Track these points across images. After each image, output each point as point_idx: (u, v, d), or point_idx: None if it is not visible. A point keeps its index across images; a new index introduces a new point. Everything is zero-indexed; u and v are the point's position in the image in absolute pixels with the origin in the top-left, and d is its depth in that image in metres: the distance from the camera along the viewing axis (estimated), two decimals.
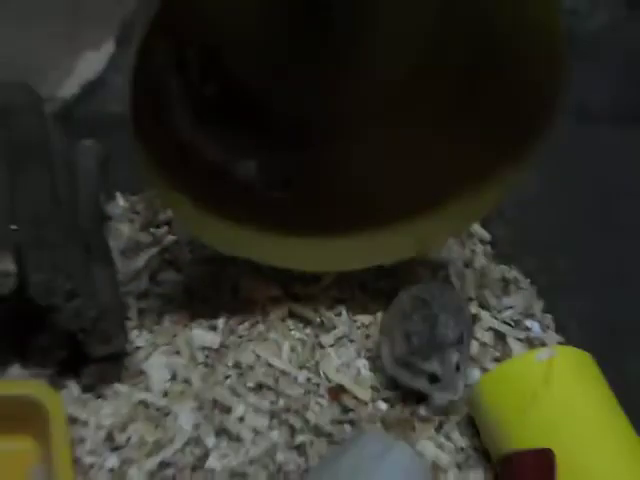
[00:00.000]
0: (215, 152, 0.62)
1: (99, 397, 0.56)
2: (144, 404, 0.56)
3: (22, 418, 0.52)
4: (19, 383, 0.55)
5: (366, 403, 0.58)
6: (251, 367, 0.59)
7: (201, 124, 0.61)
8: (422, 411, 0.58)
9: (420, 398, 0.58)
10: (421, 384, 0.56)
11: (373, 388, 0.59)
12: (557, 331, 0.64)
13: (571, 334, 0.63)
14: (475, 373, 0.60)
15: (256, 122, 0.63)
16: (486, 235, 0.72)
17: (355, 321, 0.63)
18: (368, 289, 0.65)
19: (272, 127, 0.64)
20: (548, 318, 0.65)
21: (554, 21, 0.51)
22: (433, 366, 0.55)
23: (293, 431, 0.55)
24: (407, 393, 0.58)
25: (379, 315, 0.64)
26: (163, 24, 0.47)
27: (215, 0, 0.58)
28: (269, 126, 0.64)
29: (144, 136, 0.50)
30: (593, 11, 0.66)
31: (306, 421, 0.56)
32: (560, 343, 0.62)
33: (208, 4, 0.57)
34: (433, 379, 0.55)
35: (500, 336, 0.63)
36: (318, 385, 0.58)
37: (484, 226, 0.72)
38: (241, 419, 0.56)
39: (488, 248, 0.71)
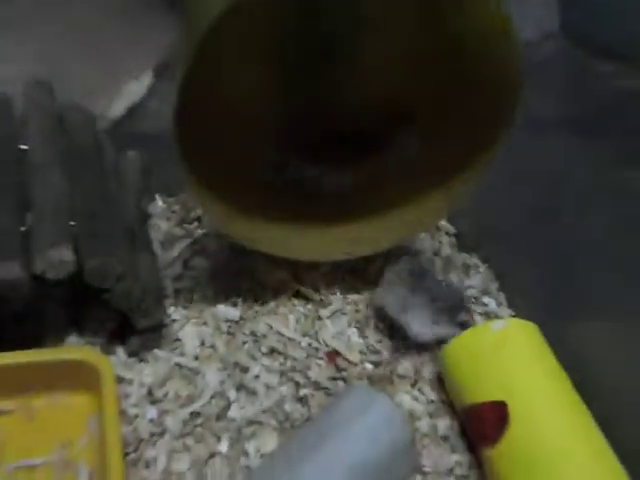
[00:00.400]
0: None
1: (141, 361, 0.57)
2: (179, 366, 0.57)
3: (80, 378, 0.52)
4: (77, 349, 0.56)
5: (355, 364, 0.58)
6: (264, 335, 0.60)
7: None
8: (400, 370, 0.58)
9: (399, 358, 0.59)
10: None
11: (361, 352, 0.60)
12: (509, 307, 0.65)
13: (520, 309, 0.64)
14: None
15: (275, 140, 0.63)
16: (451, 229, 0.72)
17: (347, 298, 0.64)
18: (357, 273, 0.66)
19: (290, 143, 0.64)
20: (501, 296, 0.66)
21: (514, 52, 0.51)
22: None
23: (298, 386, 0.57)
24: (389, 355, 0.59)
25: (366, 294, 0.64)
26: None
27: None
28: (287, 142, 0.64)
29: (187, 154, 0.51)
30: (542, 42, 0.67)
31: (308, 378, 0.57)
32: (511, 316, 0.63)
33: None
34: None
35: None
36: (317, 349, 0.59)
37: (449, 221, 0.73)
38: (256, 377, 0.57)
39: (453, 240, 0.71)
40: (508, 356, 0.52)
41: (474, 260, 0.69)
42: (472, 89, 0.57)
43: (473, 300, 0.64)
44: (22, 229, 0.53)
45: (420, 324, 0.58)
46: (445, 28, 0.56)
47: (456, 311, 0.59)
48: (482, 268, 0.68)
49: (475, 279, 0.66)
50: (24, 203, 0.55)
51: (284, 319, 0.61)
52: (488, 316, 0.63)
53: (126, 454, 0.50)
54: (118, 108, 0.74)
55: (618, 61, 0.66)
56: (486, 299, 0.64)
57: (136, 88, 0.75)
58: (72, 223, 0.54)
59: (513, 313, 0.63)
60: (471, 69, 0.56)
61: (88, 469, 0.49)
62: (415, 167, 0.62)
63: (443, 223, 0.72)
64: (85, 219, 0.54)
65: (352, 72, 0.62)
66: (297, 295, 0.64)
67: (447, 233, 0.71)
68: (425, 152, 0.61)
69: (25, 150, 0.59)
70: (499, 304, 0.64)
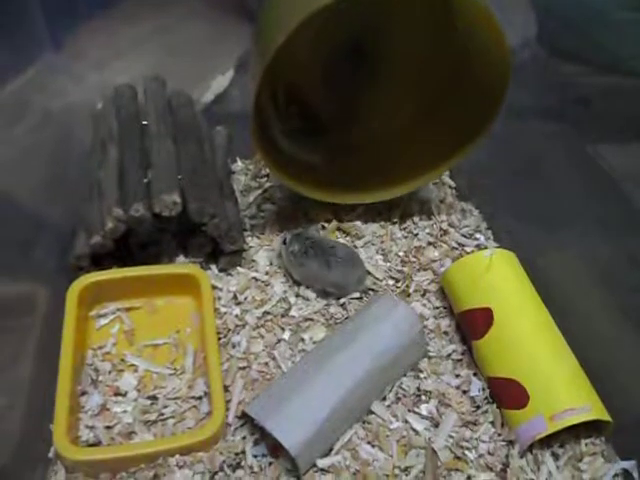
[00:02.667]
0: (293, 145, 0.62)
1: (228, 274, 0.57)
2: (254, 279, 0.57)
3: (185, 286, 0.53)
4: (184, 266, 0.56)
5: (381, 280, 0.58)
6: None
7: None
8: (413, 286, 0.57)
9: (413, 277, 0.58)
10: None
11: (385, 272, 0.59)
12: (494, 240, 0.63)
13: (503, 243, 0.62)
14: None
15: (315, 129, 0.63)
16: (452, 183, 0.70)
17: (375, 232, 0.62)
18: (383, 215, 0.64)
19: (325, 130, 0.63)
20: (489, 233, 0.64)
21: (505, 54, 0.49)
22: None
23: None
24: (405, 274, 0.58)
25: (389, 230, 0.63)
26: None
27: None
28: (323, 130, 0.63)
29: (258, 133, 0.51)
30: (521, 48, 0.64)
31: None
32: (497, 247, 0.61)
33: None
34: None
35: (461, 243, 0.62)
36: None
37: (451, 178, 0.70)
38: (308, 287, 0.56)
39: (453, 191, 0.69)
40: (494, 275, 0.51)
41: (469, 206, 0.67)
42: (469, 84, 0.55)
43: (468, 235, 0.63)
44: (145, 181, 0.54)
45: None
46: (451, 32, 0.54)
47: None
48: (475, 212, 0.66)
49: (470, 220, 0.65)
50: (146, 163, 0.55)
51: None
52: (479, 247, 0.61)
53: (219, 339, 0.51)
54: (209, 95, 0.73)
55: (584, 64, 0.62)
56: (478, 235, 0.63)
57: (222, 80, 0.74)
58: (179, 177, 0.54)
59: (498, 245, 0.62)
60: (470, 66, 0.54)
61: (193, 348, 0.51)
62: (419, 146, 0.61)
63: (446, 179, 0.70)
64: (188, 174, 0.55)
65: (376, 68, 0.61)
66: (339, 230, 0.63)
67: (450, 187, 0.69)
68: (428, 134, 0.60)
69: (146, 125, 0.59)
70: (487, 239, 0.63)
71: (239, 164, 0.70)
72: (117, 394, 0.47)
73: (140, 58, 0.71)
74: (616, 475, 0.44)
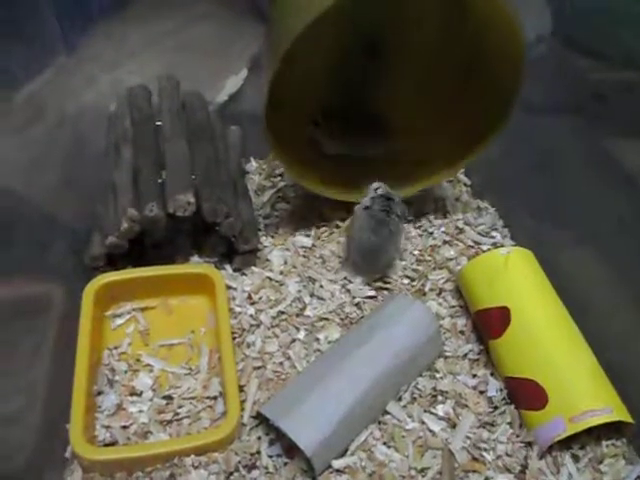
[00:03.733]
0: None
1: (243, 274, 0.57)
2: (269, 278, 0.57)
3: (201, 285, 0.53)
4: (199, 266, 0.56)
5: (396, 280, 0.57)
6: (329, 258, 0.59)
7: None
8: (429, 285, 0.56)
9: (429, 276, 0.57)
10: None
11: (401, 271, 0.58)
12: (511, 238, 0.62)
13: (520, 241, 0.61)
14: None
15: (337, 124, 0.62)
16: (467, 181, 0.69)
17: None
18: None
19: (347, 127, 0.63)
20: (505, 231, 0.63)
21: (519, 49, 0.49)
22: None
23: (353, 295, 0.55)
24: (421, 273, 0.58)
25: (405, 226, 0.61)
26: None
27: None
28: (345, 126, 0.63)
29: (272, 132, 0.51)
30: (537, 44, 0.64)
31: (361, 289, 0.56)
32: (513, 245, 0.60)
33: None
34: None
35: (476, 241, 0.61)
36: None
37: (466, 175, 0.70)
38: (323, 287, 0.56)
39: (469, 189, 0.68)
40: (511, 274, 0.50)
41: (485, 204, 0.66)
42: (484, 80, 0.55)
43: (484, 234, 0.62)
44: (159, 181, 0.54)
45: None
46: (464, 27, 0.53)
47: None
48: (491, 210, 0.66)
49: (486, 218, 0.64)
50: (160, 162, 0.55)
51: (343, 246, 0.60)
52: (495, 245, 0.61)
53: (233, 339, 0.50)
54: (223, 95, 0.73)
55: (597, 59, 0.62)
56: (494, 233, 0.62)
57: (235, 80, 0.74)
58: (193, 177, 0.54)
59: (514, 243, 0.61)
60: (484, 62, 0.54)
61: (208, 348, 0.51)
62: (435, 143, 0.60)
63: (461, 176, 0.69)
64: (202, 174, 0.55)
65: (387, 69, 0.60)
66: None
67: (465, 184, 0.69)
68: (442, 131, 0.60)
69: (160, 125, 0.59)
70: (504, 237, 0.62)
71: (253, 164, 0.69)
72: (133, 394, 0.47)
73: (153, 59, 0.71)
74: (638, 477, 0.43)
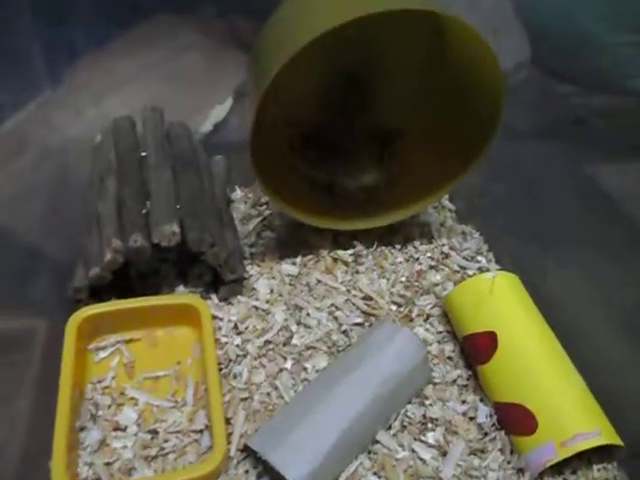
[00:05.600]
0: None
1: (229, 304, 0.56)
2: (255, 307, 0.56)
3: (186, 316, 0.53)
4: (184, 296, 0.56)
5: (382, 308, 0.57)
6: (315, 286, 0.59)
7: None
8: (416, 310, 0.57)
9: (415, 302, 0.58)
10: None
11: (388, 297, 0.58)
12: (496, 263, 0.63)
13: (505, 265, 0.62)
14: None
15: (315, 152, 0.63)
16: (452, 207, 0.70)
17: (376, 258, 0.62)
18: (383, 240, 0.64)
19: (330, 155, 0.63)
20: (490, 255, 0.64)
21: (500, 80, 0.50)
22: None
23: (340, 322, 0.55)
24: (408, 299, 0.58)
25: (391, 253, 0.63)
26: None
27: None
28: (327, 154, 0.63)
29: (257, 162, 0.51)
30: (516, 71, 0.66)
31: (348, 316, 0.56)
32: (498, 269, 0.61)
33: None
34: None
35: (462, 266, 0.62)
36: (355, 295, 0.58)
37: (450, 201, 0.70)
38: (309, 315, 0.56)
39: (453, 214, 0.69)
40: (497, 298, 0.50)
41: (469, 229, 0.67)
42: (465, 109, 0.56)
43: (469, 258, 0.62)
44: (144, 211, 0.53)
45: None
46: (446, 64, 0.55)
47: None
48: (476, 235, 0.66)
49: (471, 243, 0.64)
50: (145, 193, 0.55)
51: (330, 274, 0.60)
52: (481, 270, 0.61)
53: (220, 370, 0.50)
54: (207, 125, 0.74)
55: (575, 84, 0.62)
56: (479, 257, 0.63)
57: (220, 110, 0.74)
58: (178, 206, 0.54)
59: (499, 267, 0.61)
60: (465, 93, 0.55)
61: (194, 380, 0.50)
62: (418, 171, 0.61)
63: (445, 202, 0.70)
64: (187, 203, 0.55)
65: (372, 98, 0.61)
66: (339, 257, 0.62)
67: (449, 210, 0.69)
68: (426, 159, 0.61)
69: (144, 156, 0.59)
70: (489, 261, 0.62)
71: (238, 192, 0.70)
72: (117, 429, 0.46)
73: (138, 90, 0.72)
74: None
